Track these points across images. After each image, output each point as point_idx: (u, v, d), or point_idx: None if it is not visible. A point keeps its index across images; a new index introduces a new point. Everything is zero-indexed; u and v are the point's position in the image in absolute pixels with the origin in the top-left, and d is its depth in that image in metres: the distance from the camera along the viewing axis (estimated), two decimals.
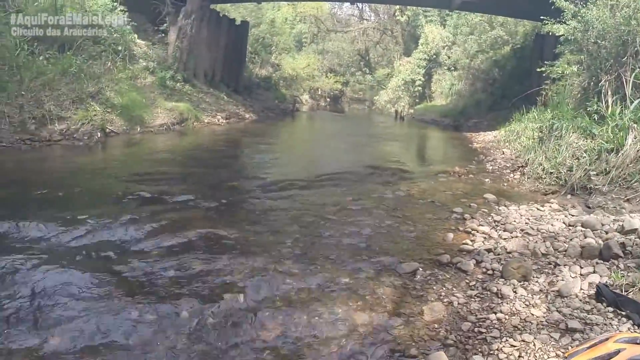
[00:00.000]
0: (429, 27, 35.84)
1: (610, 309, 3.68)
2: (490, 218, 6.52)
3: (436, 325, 3.66)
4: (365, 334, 3.53)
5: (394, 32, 46.45)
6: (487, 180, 9.39)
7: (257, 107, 25.14)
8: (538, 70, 13.51)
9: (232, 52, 24.43)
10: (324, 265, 4.68)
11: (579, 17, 10.58)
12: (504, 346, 3.31)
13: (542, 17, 12.12)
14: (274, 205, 6.99)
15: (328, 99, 46.24)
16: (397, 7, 40.07)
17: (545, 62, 12.90)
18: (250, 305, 3.82)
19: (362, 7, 50.59)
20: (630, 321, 3.46)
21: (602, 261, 4.63)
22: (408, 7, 37.85)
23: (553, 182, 8.32)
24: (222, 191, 7.54)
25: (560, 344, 3.30)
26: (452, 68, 31.88)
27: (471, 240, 5.60)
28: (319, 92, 45.01)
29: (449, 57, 32.54)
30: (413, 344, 3.42)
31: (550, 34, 12.08)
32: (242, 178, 9.16)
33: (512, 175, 9.77)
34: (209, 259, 4.64)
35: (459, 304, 4.00)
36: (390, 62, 46.08)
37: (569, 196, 7.63)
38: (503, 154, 12.49)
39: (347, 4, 44.27)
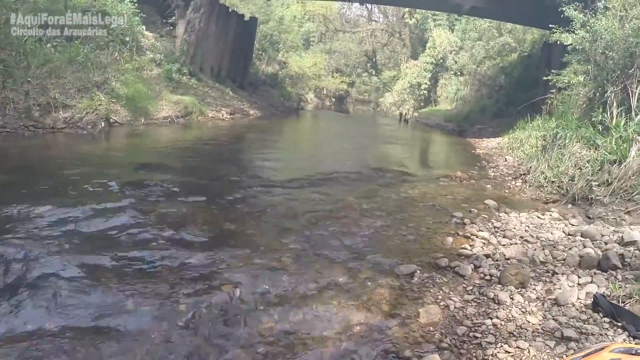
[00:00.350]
0: (437, 31, 35.85)
1: (607, 319, 3.68)
2: (490, 224, 6.50)
3: (431, 328, 3.67)
4: (360, 334, 3.54)
5: (402, 34, 46.38)
6: (488, 186, 9.36)
7: (262, 104, 25.16)
8: (544, 78, 13.47)
9: (240, 48, 24.43)
10: (322, 264, 4.68)
11: (587, 27, 10.55)
12: (498, 352, 3.32)
13: (550, 26, 12.09)
14: (276, 202, 6.98)
15: (333, 99, 46.35)
16: (407, 9, 40.04)
17: (552, 70, 12.85)
18: (247, 300, 3.82)
19: (371, 8, 50.56)
20: (626, 332, 3.46)
21: (600, 271, 4.63)
22: (417, 10, 37.81)
23: (554, 191, 8.31)
24: (224, 186, 7.56)
25: (555, 352, 3.30)
26: (459, 73, 31.89)
27: (470, 245, 5.59)
28: (324, 92, 45.11)
29: (455, 62, 32.57)
30: (407, 345, 3.43)
31: (558, 42, 12.04)
32: (244, 174, 9.15)
33: (513, 182, 9.74)
34: (208, 252, 4.64)
35: (455, 307, 4.00)
36: (397, 64, 46.05)
37: (569, 206, 7.62)
38: (506, 161, 12.46)
39: (356, 4, 44.23)
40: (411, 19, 41.78)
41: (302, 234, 5.55)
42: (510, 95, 23.35)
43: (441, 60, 34.95)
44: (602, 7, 10.68)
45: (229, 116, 19.09)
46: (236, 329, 3.45)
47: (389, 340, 3.48)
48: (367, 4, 41.53)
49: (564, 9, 11.21)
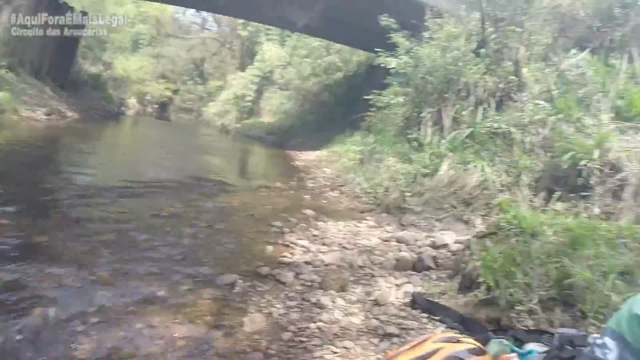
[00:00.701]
0: (267, 45, 36.28)
1: (425, 314, 3.94)
2: (309, 232, 6.66)
3: (257, 337, 3.61)
4: (186, 348, 3.36)
5: (233, 45, 46.31)
6: (306, 196, 9.59)
7: (82, 105, 23.40)
8: (366, 97, 14.12)
9: (65, 44, 22.50)
10: (141, 277, 4.40)
11: (411, 54, 11.32)
12: (325, 353, 3.37)
13: (376, 49, 12.72)
14: (91, 211, 6.44)
15: (156, 105, 44.68)
16: (241, 21, 39.97)
17: (374, 91, 13.52)
18: (62, 319, 3.43)
19: (206, 16, 49.87)
20: (444, 325, 3.72)
21: (415, 272, 4.98)
22: (252, 22, 37.91)
23: (370, 201, 8.78)
24: (35, 194, 6.85)
25: (379, 348, 3.45)
26: (284, 87, 32.52)
27: (290, 253, 5.66)
28: (148, 98, 43.37)
29: (282, 77, 33.16)
30: (235, 355, 3.33)
31: (382, 65, 12.74)
32: (58, 181, 8.36)
33: (331, 193, 10.13)
34: (17, 268, 4.09)
35: (279, 314, 4.00)
36: (224, 74, 45.77)
37: (384, 215, 8.08)
38: (324, 173, 12.89)
39: (192, 11, 43.44)
40: (244, 31, 41.80)
41: (120, 245, 5.17)
42: (332, 112, 24.23)
43: (268, 74, 35.43)
44: (427, 37, 11.55)
45: (45, 117, 17.49)
46: (52, 353, 3.07)
47: (215, 353, 3.35)
48: (203, 12, 41.02)
49: (392, 35, 11.89)
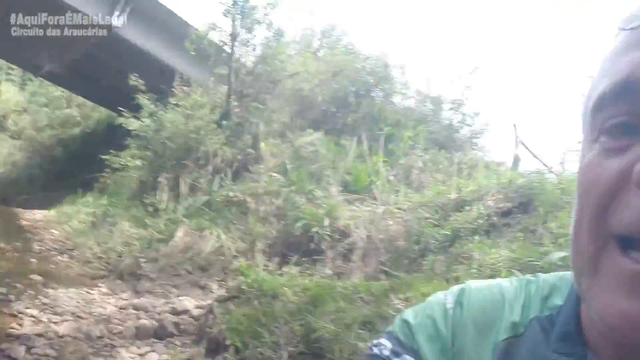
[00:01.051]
0: (5, 86, 32.72)
1: None
2: (38, 300, 6.11)
3: None
4: None
5: None
6: (33, 260, 8.72)
7: None
8: (102, 157, 13.58)
9: None
10: None
11: (155, 117, 11.36)
12: None
13: (119, 108, 12.47)
14: None
15: None
16: None
17: (111, 151, 13.12)
18: None
19: None
20: None
21: (158, 340, 4.91)
22: None
23: (102, 267, 8.43)
24: None
25: None
26: (16, 136, 29.59)
27: (19, 324, 5.15)
28: None
29: (16, 124, 30.17)
30: None
31: (123, 125, 12.49)
32: None
33: (60, 257, 9.35)
34: None
35: None
36: None
37: (118, 281, 7.84)
38: (52, 235, 11.94)
39: None
40: None
41: None
42: (65, 169, 22.67)
43: (1, 119, 31.85)
44: (173, 102, 11.72)
45: None
46: None
47: None
48: None
49: (138, 96, 11.77)
